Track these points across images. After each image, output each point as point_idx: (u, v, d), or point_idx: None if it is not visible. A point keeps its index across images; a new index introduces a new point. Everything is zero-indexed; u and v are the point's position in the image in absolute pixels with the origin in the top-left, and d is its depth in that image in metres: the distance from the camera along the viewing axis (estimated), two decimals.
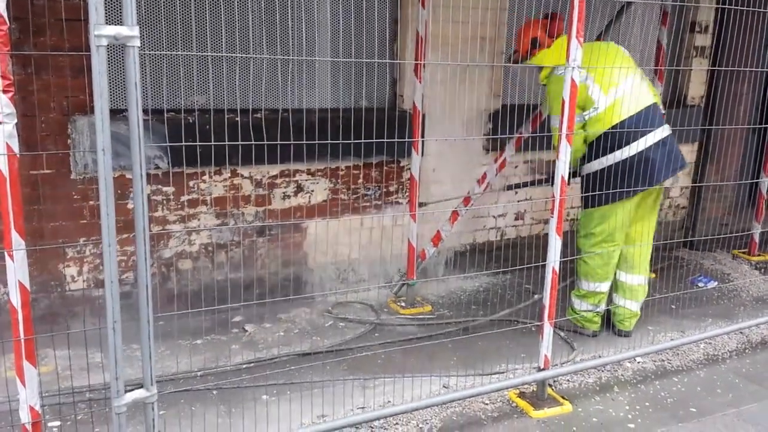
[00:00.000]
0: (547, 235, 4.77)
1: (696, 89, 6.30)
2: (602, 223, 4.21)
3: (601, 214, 4.20)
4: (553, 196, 3.37)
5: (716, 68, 5.97)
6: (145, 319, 2.46)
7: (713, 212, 6.65)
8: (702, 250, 6.48)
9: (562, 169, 3.33)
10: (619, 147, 4.06)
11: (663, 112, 4.40)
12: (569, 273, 4.82)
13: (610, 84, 4.07)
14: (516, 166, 5.42)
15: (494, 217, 5.48)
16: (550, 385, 3.72)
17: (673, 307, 5.05)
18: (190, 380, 3.64)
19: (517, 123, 4.89)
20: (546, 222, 5.70)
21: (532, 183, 5.12)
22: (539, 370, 3.55)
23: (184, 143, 3.85)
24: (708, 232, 6.50)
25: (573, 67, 3.21)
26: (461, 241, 5.35)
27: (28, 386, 2.47)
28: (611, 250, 4.25)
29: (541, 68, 4.34)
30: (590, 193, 4.15)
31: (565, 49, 3.24)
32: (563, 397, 3.66)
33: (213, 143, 3.83)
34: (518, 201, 5.48)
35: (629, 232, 4.34)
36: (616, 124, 4.06)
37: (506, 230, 5.56)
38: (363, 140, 4.24)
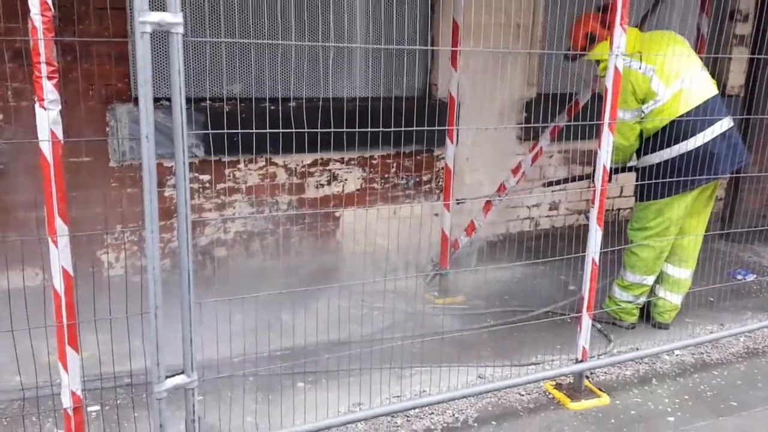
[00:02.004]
0: (582, 226, 4.71)
1: (736, 78, 6.17)
2: (658, 217, 4.14)
3: (658, 207, 4.13)
4: (594, 186, 3.32)
5: (757, 56, 5.82)
6: (186, 305, 2.48)
7: (752, 203, 6.51)
8: (740, 242, 6.34)
9: (604, 158, 3.27)
10: (683, 139, 3.97)
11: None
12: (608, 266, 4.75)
13: (674, 74, 3.98)
14: (551, 156, 5.36)
15: (528, 207, 5.43)
16: (587, 377, 3.67)
17: (712, 299, 4.96)
18: (228, 366, 3.66)
19: (553, 112, 4.82)
20: (581, 213, 5.64)
21: (573, 179, 5.03)
22: (577, 361, 3.51)
23: (223, 131, 3.86)
24: (746, 224, 6.37)
25: (617, 55, 3.14)
26: (495, 231, 5.31)
27: (70, 371, 2.49)
28: (665, 244, 4.18)
29: (599, 61, 4.26)
30: (649, 183, 4.04)
31: (624, 39, 3.17)
32: (600, 389, 3.61)
33: (252, 131, 3.82)
34: (552, 191, 5.42)
35: (683, 225, 4.26)
36: (680, 115, 3.97)
37: (540, 220, 5.50)
38: (393, 129, 4.18)
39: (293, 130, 3.80)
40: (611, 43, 3.16)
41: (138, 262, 4.20)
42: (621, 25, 3.09)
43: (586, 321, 3.45)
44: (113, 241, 4.14)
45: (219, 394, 3.37)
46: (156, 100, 3.91)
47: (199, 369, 3.01)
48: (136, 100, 4.05)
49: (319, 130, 3.35)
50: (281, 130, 3.90)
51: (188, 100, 4.06)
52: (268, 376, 3.59)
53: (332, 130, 3.26)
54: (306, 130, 3.92)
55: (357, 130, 3.76)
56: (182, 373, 2.52)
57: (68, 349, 2.49)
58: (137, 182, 4.08)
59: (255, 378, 3.58)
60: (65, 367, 2.52)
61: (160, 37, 2.24)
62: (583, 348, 3.48)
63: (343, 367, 3.63)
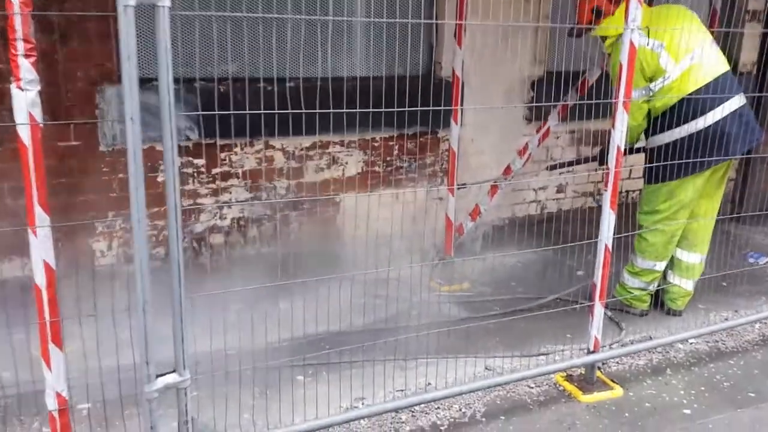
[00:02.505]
0: (590, 209, 4.53)
1: (748, 55, 5.97)
2: (669, 199, 3.97)
3: (668, 189, 3.95)
4: (608, 168, 3.15)
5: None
6: (177, 300, 2.32)
7: (763, 184, 6.33)
8: (751, 224, 6.18)
9: (618, 139, 3.10)
10: (693, 118, 3.79)
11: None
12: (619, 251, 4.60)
13: (684, 50, 3.79)
14: (558, 137, 5.18)
15: (534, 190, 5.26)
16: (599, 368, 3.52)
17: (725, 284, 4.80)
18: (223, 360, 3.52)
19: (562, 91, 4.63)
20: (588, 195, 5.47)
21: (577, 162, 4.84)
22: (588, 352, 3.36)
23: (216, 113, 3.68)
24: (758, 205, 6.19)
25: (632, 29, 2.96)
26: (500, 215, 5.15)
27: (54, 371, 2.34)
28: (675, 228, 4.01)
29: (604, 38, 4.07)
30: (659, 164, 3.84)
31: (640, 11, 2.98)
32: (613, 381, 3.47)
33: (247, 112, 3.64)
34: (560, 173, 5.24)
35: (694, 208, 4.09)
36: (690, 93, 3.79)
37: (547, 203, 5.33)
38: (396, 109, 4.02)
39: (290, 111, 3.63)
40: (626, 15, 2.97)
41: (130, 250, 4.03)
42: None
43: (599, 310, 3.30)
44: (105, 229, 3.98)
45: (214, 390, 3.22)
46: (147, 80, 3.74)
47: (193, 363, 2.87)
48: None
49: (317, 110, 3.17)
50: (278, 112, 3.73)
51: (180, 81, 3.90)
52: (265, 370, 3.44)
53: (331, 110, 3.09)
54: (303, 111, 3.74)
55: (356, 111, 3.58)
56: (174, 371, 2.36)
57: (51, 347, 2.34)
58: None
59: (252, 372, 3.43)
60: (49, 367, 2.37)
61: (150, 12, 2.06)
62: (595, 338, 3.33)
63: (345, 359, 3.48)
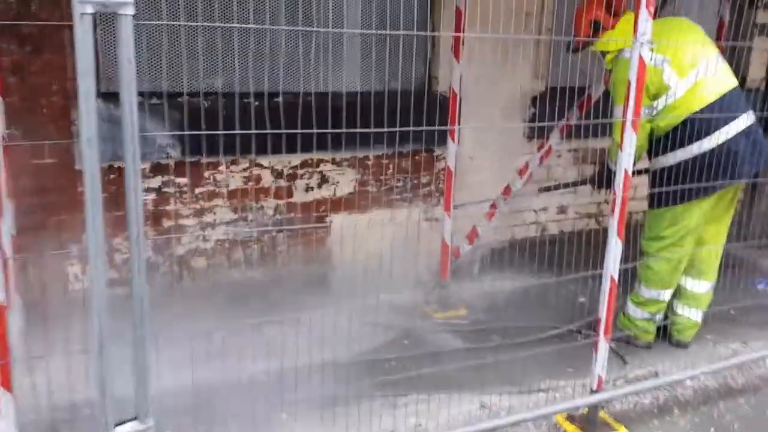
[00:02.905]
0: (593, 231, 4.31)
1: (756, 70, 5.77)
2: (674, 225, 3.74)
3: (673, 214, 3.73)
4: (615, 194, 2.93)
5: None
6: (139, 341, 2.09)
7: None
8: (759, 247, 5.95)
9: (626, 161, 2.88)
10: (699, 138, 3.57)
11: None
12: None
13: (689, 65, 3.58)
14: (559, 155, 4.97)
15: (535, 211, 5.04)
16: (603, 408, 3.29)
17: (732, 312, 4.56)
18: (200, 395, 3.29)
19: (563, 108, 4.42)
20: (591, 217, 5.25)
21: (573, 184, 4.61)
22: (592, 391, 3.13)
23: (201, 132, 3.47)
24: (765, 227, 5.98)
25: (642, 43, 2.75)
26: (499, 237, 4.93)
27: (3, 416, 2.12)
28: (680, 255, 3.79)
29: (605, 54, 3.86)
30: (663, 189, 3.64)
31: (632, 27, 2.79)
32: (617, 421, 3.24)
33: (237, 132, 3.43)
34: (561, 193, 5.02)
35: (701, 234, 3.86)
36: (696, 111, 3.57)
37: (548, 225, 5.12)
38: (387, 128, 3.82)
39: (278, 131, 3.42)
40: (635, 28, 2.76)
41: (108, 273, 3.81)
42: (647, 7, 2.69)
43: (603, 346, 3.07)
44: (79, 252, 3.75)
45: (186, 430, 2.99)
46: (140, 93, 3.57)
47: (161, 399, 2.64)
48: (104, 96, 3.67)
49: (299, 131, 2.96)
50: (264, 131, 3.52)
51: (161, 95, 3.70)
52: (245, 406, 3.21)
53: (315, 131, 2.89)
54: (292, 130, 3.54)
55: (344, 130, 3.37)
56: (135, 418, 2.14)
57: (0, 390, 2.12)
58: (107, 186, 3.69)
59: (230, 408, 3.20)
60: None
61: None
62: (599, 377, 3.10)
63: (331, 393, 3.26)
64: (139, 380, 2.12)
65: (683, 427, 3.28)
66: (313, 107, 3.39)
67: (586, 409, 3.19)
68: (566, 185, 4.62)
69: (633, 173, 4.15)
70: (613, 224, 2.94)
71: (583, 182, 4.53)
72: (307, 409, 3.17)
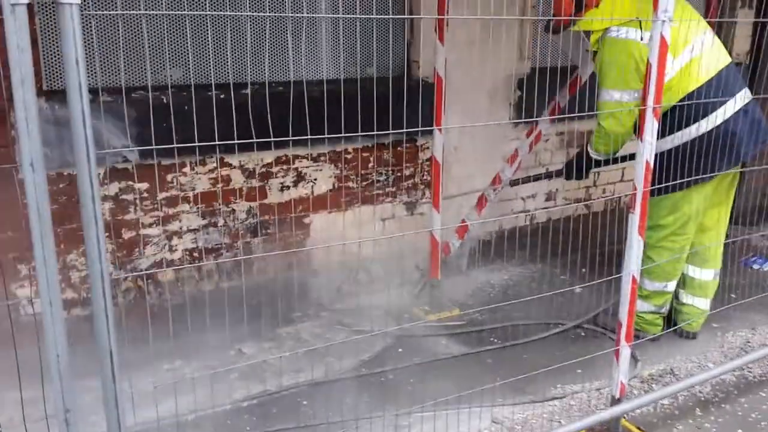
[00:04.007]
0: (582, 216, 4.04)
1: (741, 44, 5.56)
2: (674, 213, 3.50)
3: (672, 202, 3.48)
4: (635, 188, 2.65)
5: (763, 20, 5.22)
6: (110, 391, 1.73)
7: (753, 181, 5.97)
8: (744, 224, 5.80)
9: (647, 152, 2.60)
10: (696, 120, 3.32)
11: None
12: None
13: (682, 43, 3.32)
14: (547, 140, 4.68)
15: (523, 198, 4.76)
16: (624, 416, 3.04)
17: (734, 296, 4.36)
18: (179, 427, 2.92)
19: (551, 90, 4.11)
20: (579, 201, 5.00)
21: (546, 176, 4.29)
22: (613, 401, 2.87)
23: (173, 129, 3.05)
24: (750, 204, 5.83)
25: (663, 21, 2.46)
26: (486, 228, 4.63)
27: None
28: (683, 244, 3.55)
29: (589, 34, 3.57)
30: (659, 175, 3.36)
31: (618, 3, 2.48)
32: (639, 428, 2.99)
33: (217, 137, 3.03)
34: (549, 179, 4.74)
35: (702, 220, 3.63)
36: (692, 91, 3.32)
37: (536, 214, 4.84)
38: (370, 124, 3.45)
39: (253, 127, 3.03)
40: (655, 5, 2.46)
41: (64, 294, 3.39)
42: None
43: (625, 352, 2.80)
44: (31, 272, 3.32)
45: None
46: (93, 90, 3.13)
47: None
48: (48, 94, 3.23)
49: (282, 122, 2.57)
50: (231, 125, 3.12)
51: (113, 91, 3.28)
52: None
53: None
54: (263, 123, 3.16)
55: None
56: None
57: None
58: (54, 197, 3.27)
59: None
60: None
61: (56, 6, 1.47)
62: (622, 384, 2.84)
63: (323, 415, 2.94)
64: (110, 411, 1.76)
65: (709, 430, 3.05)
66: (286, 98, 3.00)
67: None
68: (538, 177, 4.29)
69: (618, 159, 3.93)
70: (634, 221, 2.66)
71: (551, 174, 4.22)
72: None
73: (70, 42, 1.51)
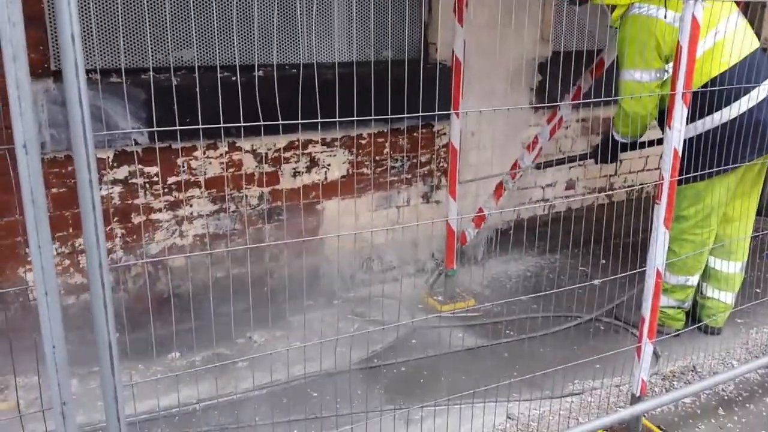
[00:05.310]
0: (603, 206, 3.92)
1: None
2: (696, 204, 3.37)
3: (695, 192, 3.35)
4: (661, 177, 2.52)
5: None
6: (111, 394, 1.65)
7: None
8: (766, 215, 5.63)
9: (676, 139, 2.47)
10: (719, 107, 3.18)
11: None
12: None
13: (707, 24, 3.17)
14: (568, 126, 4.54)
15: (542, 187, 4.64)
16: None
17: (758, 291, 4.24)
18: (185, 417, 2.86)
19: (574, 74, 3.98)
20: (600, 191, 4.87)
21: (570, 159, 4.17)
22: (634, 399, 2.76)
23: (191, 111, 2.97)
24: None
25: (696, 0, 2.32)
26: (503, 217, 4.51)
27: None
28: (706, 236, 3.42)
29: (612, 8, 3.42)
30: (681, 163, 3.24)
31: None
32: (659, 427, 2.88)
33: (224, 122, 2.94)
34: (570, 167, 4.61)
35: (726, 211, 3.50)
36: (716, 76, 3.18)
37: (555, 203, 4.71)
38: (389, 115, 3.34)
39: (269, 108, 2.93)
40: None
41: (70, 279, 3.34)
42: None
43: (648, 349, 2.70)
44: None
45: None
46: (105, 72, 3.06)
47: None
48: (56, 75, 3.15)
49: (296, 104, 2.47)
50: (244, 108, 3.02)
51: (125, 72, 3.20)
52: (238, 429, 2.79)
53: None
54: (277, 106, 3.06)
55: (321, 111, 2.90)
56: None
57: None
58: (63, 180, 3.20)
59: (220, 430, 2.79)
60: None
61: None
62: (642, 381, 2.73)
63: (334, 407, 2.86)
64: (109, 403, 1.69)
65: (732, 431, 2.93)
66: (300, 81, 2.90)
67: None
68: (562, 161, 4.19)
69: (645, 144, 3.80)
70: (660, 212, 2.54)
71: (575, 159, 4.11)
72: (310, 429, 2.76)
73: (65, 17, 1.42)
